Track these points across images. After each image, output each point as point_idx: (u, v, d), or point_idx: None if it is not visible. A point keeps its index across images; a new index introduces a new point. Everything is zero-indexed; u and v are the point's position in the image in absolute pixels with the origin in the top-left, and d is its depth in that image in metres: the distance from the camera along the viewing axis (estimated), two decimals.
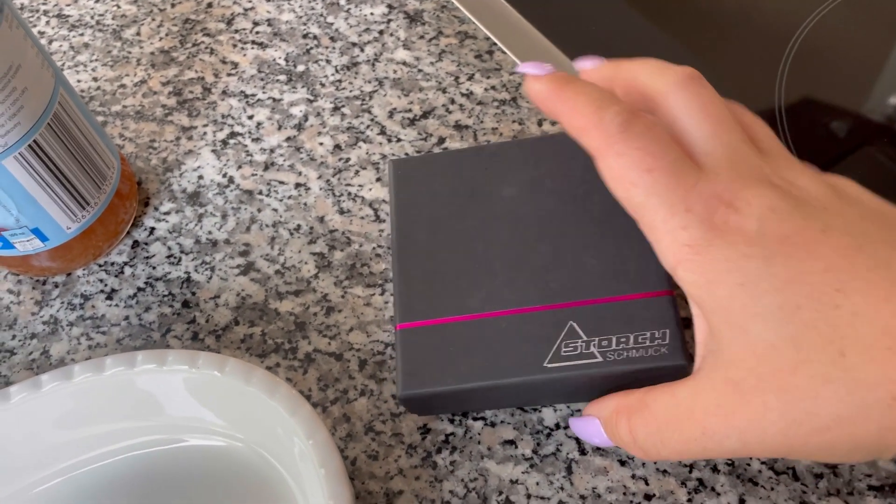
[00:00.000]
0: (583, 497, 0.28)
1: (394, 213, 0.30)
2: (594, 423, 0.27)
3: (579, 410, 0.30)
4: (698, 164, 0.23)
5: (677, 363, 0.25)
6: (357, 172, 0.37)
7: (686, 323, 0.26)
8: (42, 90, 0.29)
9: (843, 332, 0.20)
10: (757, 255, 0.21)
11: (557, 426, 0.30)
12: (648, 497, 0.28)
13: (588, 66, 0.27)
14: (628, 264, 0.27)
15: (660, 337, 0.26)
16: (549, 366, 0.26)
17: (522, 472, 0.29)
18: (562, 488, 0.28)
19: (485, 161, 0.30)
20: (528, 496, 0.28)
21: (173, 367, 0.27)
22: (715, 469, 0.28)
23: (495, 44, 0.40)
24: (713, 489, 0.28)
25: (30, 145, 0.29)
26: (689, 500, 0.28)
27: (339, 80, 0.40)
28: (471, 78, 0.39)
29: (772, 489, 0.28)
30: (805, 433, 0.21)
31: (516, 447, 0.29)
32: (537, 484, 0.29)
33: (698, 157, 0.23)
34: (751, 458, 0.28)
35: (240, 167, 0.38)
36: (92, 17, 0.44)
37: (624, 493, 0.28)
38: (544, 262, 0.27)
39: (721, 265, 0.21)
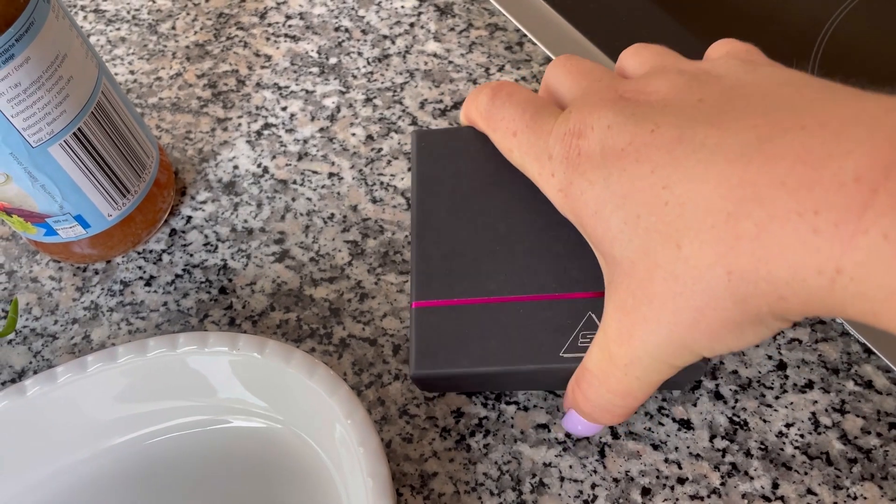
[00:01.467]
0: (616, 480, 0.28)
1: (415, 187, 0.29)
2: (572, 414, 0.26)
3: None
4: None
5: None
6: (389, 162, 0.37)
7: None
8: (86, 79, 0.30)
9: (677, 226, 0.20)
10: (599, 179, 0.22)
11: None
12: (681, 481, 0.28)
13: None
14: None
15: None
16: (566, 356, 0.26)
17: (556, 456, 0.29)
18: (595, 471, 0.29)
19: None
20: (562, 479, 0.29)
21: (214, 348, 0.28)
22: (748, 454, 0.28)
23: (525, 35, 0.41)
24: (746, 473, 0.28)
25: (74, 133, 0.30)
26: (723, 484, 0.28)
27: (371, 72, 0.41)
28: (501, 69, 0.40)
29: (805, 473, 0.28)
30: (683, 334, 0.21)
31: (549, 431, 0.30)
32: (570, 467, 0.29)
33: (563, 108, 0.25)
34: (784, 443, 0.28)
35: (274, 157, 0.38)
36: (128, 13, 0.45)
37: (657, 477, 0.28)
38: (566, 248, 0.27)
39: (579, 200, 0.22)
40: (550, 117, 0.24)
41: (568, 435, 0.29)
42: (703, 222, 0.19)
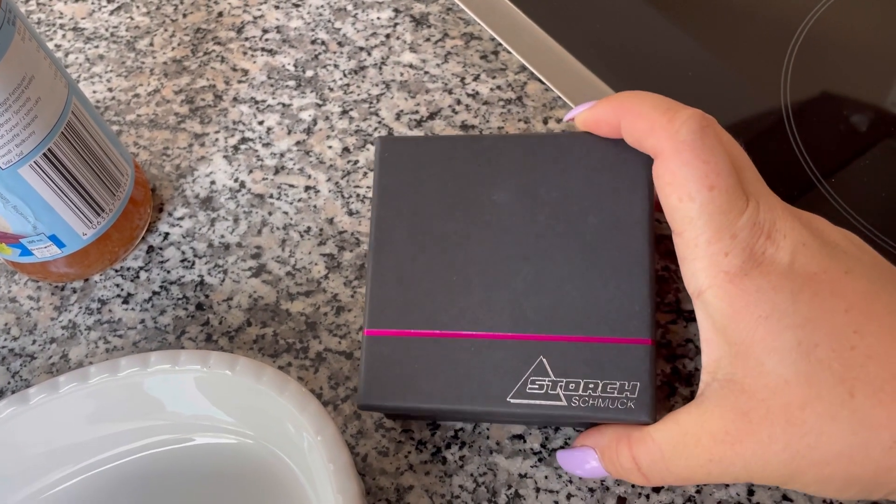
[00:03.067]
0: (591, 490, 0.28)
1: (375, 200, 0.28)
2: (589, 454, 0.26)
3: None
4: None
5: (641, 420, 0.25)
6: (365, 174, 0.37)
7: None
8: (55, 100, 0.30)
9: (856, 373, 0.21)
10: (786, 289, 0.22)
11: None
12: (657, 489, 0.28)
13: (580, 109, 0.27)
14: (612, 303, 0.25)
15: (629, 389, 0.25)
16: (512, 401, 0.25)
17: (531, 467, 0.29)
18: (570, 481, 0.29)
19: (480, 154, 0.28)
20: (537, 490, 0.28)
21: (186, 366, 0.28)
22: None
23: (500, 44, 0.41)
24: None
25: (45, 154, 0.30)
26: (699, 492, 0.28)
27: (347, 84, 0.41)
28: (476, 78, 0.40)
29: None
30: (805, 465, 0.21)
31: (525, 442, 0.29)
32: (546, 478, 0.29)
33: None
34: None
35: (251, 172, 0.38)
36: (106, 30, 0.45)
37: (633, 486, 0.28)
38: (525, 285, 0.26)
39: (752, 296, 0.22)
40: (743, 197, 0.23)
41: (543, 447, 0.29)
42: (887, 383, 0.20)
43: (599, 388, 0.25)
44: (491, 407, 0.26)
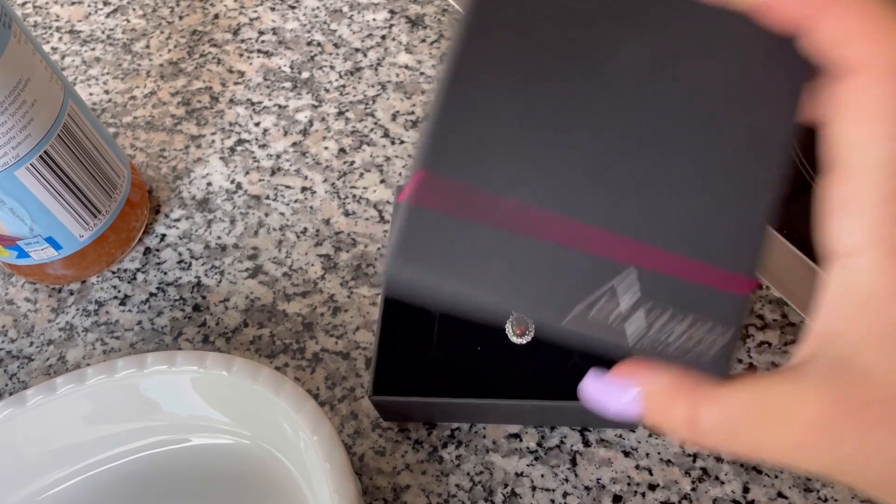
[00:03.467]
0: (587, 488, 0.28)
1: (468, 11, 0.21)
2: (629, 392, 0.21)
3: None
4: None
5: (718, 374, 0.20)
6: (361, 175, 0.37)
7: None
8: (51, 103, 0.30)
9: None
10: None
11: None
12: (653, 487, 0.28)
13: None
14: (722, 225, 0.20)
15: (717, 334, 0.20)
16: (568, 323, 0.20)
17: (527, 465, 0.29)
18: (566, 480, 0.29)
19: None
20: (534, 488, 0.29)
21: (182, 367, 0.28)
22: (719, 458, 0.28)
23: None
24: (717, 478, 0.28)
25: (41, 156, 0.30)
26: (694, 490, 0.28)
27: (343, 86, 0.41)
28: None
29: (776, 477, 0.28)
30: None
31: (521, 440, 0.30)
32: (542, 476, 0.29)
33: None
34: None
35: (247, 173, 0.38)
36: (103, 32, 0.45)
37: (628, 484, 0.28)
38: (628, 175, 0.20)
39: None
40: None
41: (539, 445, 0.29)
42: None
43: (684, 325, 0.20)
44: (545, 319, 0.20)
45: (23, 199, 0.31)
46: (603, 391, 0.22)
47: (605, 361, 0.22)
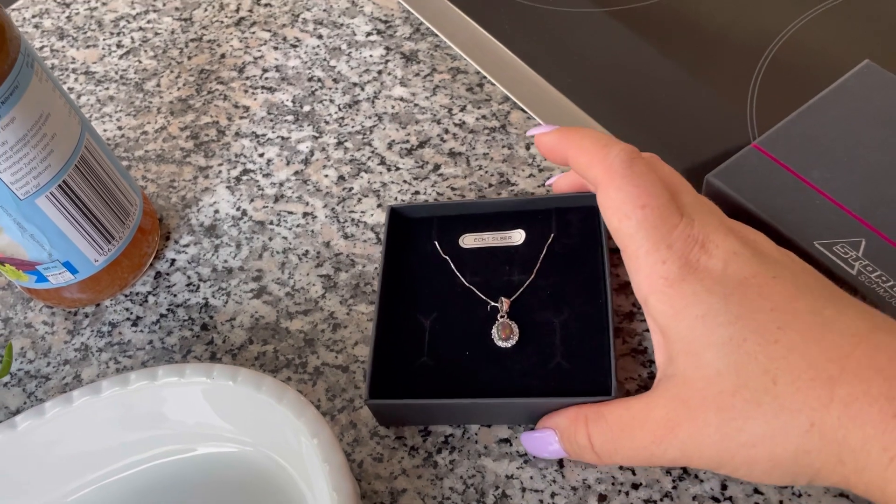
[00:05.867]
0: (574, 489, 0.30)
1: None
2: (551, 436, 0.29)
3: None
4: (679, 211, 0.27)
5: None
6: (359, 200, 0.40)
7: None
8: (70, 135, 0.33)
9: (778, 364, 0.23)
10: (718, 292, 0.25)
11: None
12: (636, 486, 0.30)
13: (539, 130, 0.31)
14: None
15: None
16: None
17: (517, 468, 0.31)
18: (554, 481, 0.30)
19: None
20: (523, 489, 0.30)
21: (191, 378, 0.30)
22: None
23: (485, 77, 0.43)
24: (696, 476, 0.29)
25: (59, 185, 0.32)
26: (674, 488, 0.29)
27: (342, 118, 0.43)
28: (463, 109, 0.42)
29: None
30: (734, 447, 0.24)
31: (511, 445, 0.31)
32: (531, 478, 0.30)
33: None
34: None
35: (252, 200, 0.41)
36: (116, 73, 0.48)
37: (612, 484, 0.30)
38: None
39: (689, 298, 0.25)
40: (676, 213, 0.26)
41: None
42: (804, 372, 0.23)
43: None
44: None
45: (42, 226, 0.33)
46: (535, 444, 0.29)
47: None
